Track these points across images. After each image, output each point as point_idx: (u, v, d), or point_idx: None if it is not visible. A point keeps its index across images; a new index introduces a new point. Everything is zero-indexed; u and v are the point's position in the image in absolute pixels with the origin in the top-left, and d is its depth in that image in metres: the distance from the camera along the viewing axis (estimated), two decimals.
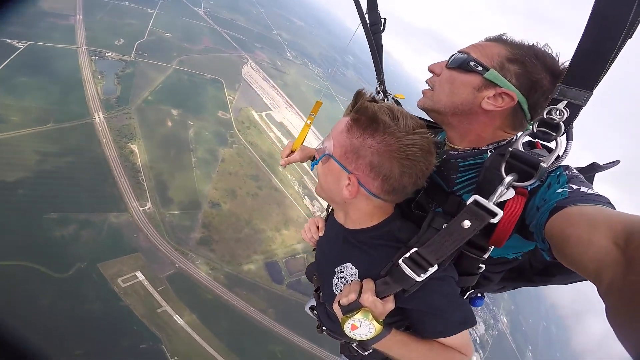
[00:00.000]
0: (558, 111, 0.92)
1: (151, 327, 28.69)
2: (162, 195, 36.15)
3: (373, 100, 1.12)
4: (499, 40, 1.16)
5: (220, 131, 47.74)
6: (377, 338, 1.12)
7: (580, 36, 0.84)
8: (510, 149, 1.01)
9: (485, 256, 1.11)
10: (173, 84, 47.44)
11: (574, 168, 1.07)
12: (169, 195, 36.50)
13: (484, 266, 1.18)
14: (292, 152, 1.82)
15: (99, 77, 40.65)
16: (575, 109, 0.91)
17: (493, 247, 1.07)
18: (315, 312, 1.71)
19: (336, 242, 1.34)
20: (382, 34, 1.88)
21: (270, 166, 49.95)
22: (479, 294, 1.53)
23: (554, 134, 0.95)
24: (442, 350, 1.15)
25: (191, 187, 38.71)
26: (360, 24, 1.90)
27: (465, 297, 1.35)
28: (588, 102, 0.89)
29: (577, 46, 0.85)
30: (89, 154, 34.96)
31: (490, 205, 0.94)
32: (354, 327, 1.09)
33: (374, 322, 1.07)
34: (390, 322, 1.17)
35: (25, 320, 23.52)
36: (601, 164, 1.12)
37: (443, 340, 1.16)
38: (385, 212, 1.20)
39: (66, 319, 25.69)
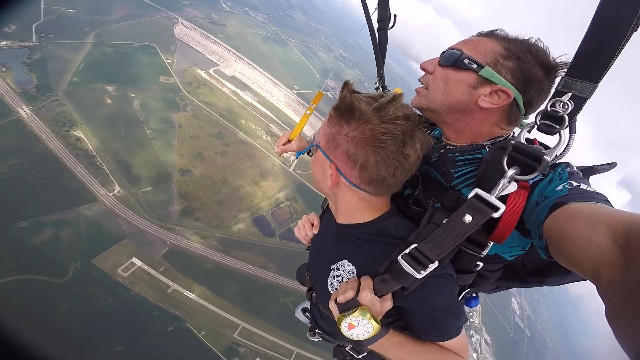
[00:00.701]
0: (562, 103, 0.92)
1: (170, 309, 29.99)
2: (128, 175, 35.22)
3: (355, 91, 1.08)
4: (492, 35, 1.13)
5: (168, 97, 45.22)
6: (374, 338, 1.08)
7: (586, 28, 0.84)
8: (513, 142, 1.01)
9: (484, 253, 1.08)
10: (97, 60, 43.42)
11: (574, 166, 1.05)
12: (135, 174, 35.60)
13: (481, 264, 1.16)
14: (289, 141, 1.79)
15: (3, 69, 36.60)
16: (579, 102, 0.90)
17: (492, 243, 1.05)
18: (307, 314, 1.68)
19: (332, 239, 1.30)
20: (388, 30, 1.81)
21: (232, 121, 48.57)
22: (474, 294, 1.51)
23: (558, 127, 0.94)
24: (439, 352, 1.14)
25: (155, 159, 37.61)
26: (367, 23, 1.85)
27: (460, 297, 1.33)
28: (593, 95, 0.88)
29: (584, 38, 0.85)
30: (31, 152, 32.91)
31: (492, 199, 0.91)
32: (351, 327, 1.06)
33: (372, 321, 1.03)
34: (387, 322, 1.13)
35: (52, 332, 23.96)
36: (598, 166, 1.12)
37: (441, 342, 1.14)
38: (378, 208, 1.17)
39: (89, 321, 26.43)
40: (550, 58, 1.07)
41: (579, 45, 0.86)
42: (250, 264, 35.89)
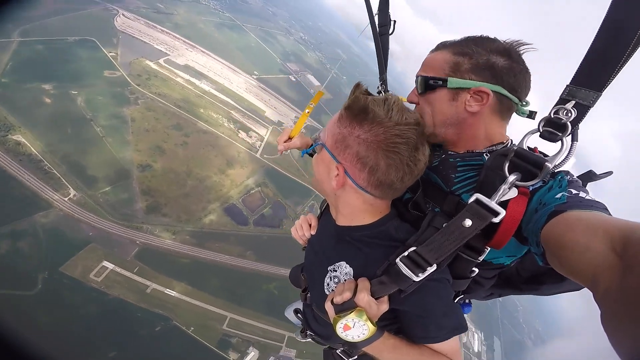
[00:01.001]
0: (566, 111, 0.94)
1: (153, 309, 29.47)
2: (82, 176, 33.44)
3: (368, 93, 1.11)
4: (439, 48, 1.21)
5: (115, 92, 42.75)
6: (369, 340, 1.08)
7: (593, 37, 0.86)
8: (515, 148, 1.03)
9: (480, 258, 1.10)
10: (27, 58, 39.89)
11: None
12: (90, 174, 33.87)
13: (477, 270, 1.17)
14: (290, 139, 1.83)
15: None
16: (582, 110, 0.92)
17: (489, 249, 1.07)
18: (299, 315, 1.67)
19: (330, 241, 1.31)
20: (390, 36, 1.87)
21: (189, 111, 47.01)
22: (467, 301, 1.52)
23: (560, 134, 0.96)
24: (432, 355, 1.13)
25: (110, 158, 35.84)
26: (369, 25, 1.89)
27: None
28: (596, 104, 0.90)
29: (590, 47, 0.87)
30: None
31: (492, 204, 0.92)
32: (346, 328, 1.05)
33: (368, 323, 1.03)
34: (382, 325, 1.13)
35: (41, 344, 22.57)
36: (596, 174, 1.13)
37: (434, 345, 1.13)
38: (379, 211, 1.18)
39: (75, 329, 25.51)
40: (501, 41, 1.13)
41: (585, 54, 0.89)
42: (227, 254, 35.76)
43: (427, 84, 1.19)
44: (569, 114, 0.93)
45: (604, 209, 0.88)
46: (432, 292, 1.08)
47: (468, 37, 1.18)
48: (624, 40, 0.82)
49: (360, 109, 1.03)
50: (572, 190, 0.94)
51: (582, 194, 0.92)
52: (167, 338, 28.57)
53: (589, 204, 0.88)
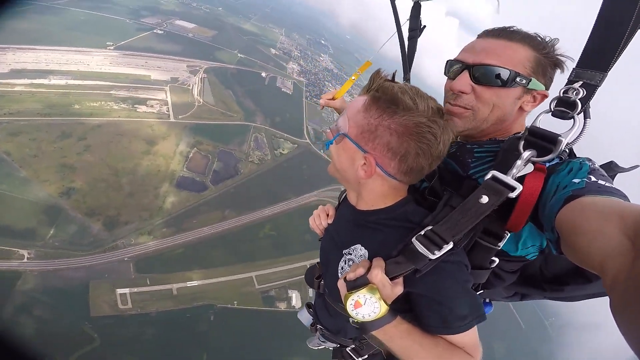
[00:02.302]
0: (575, 91, 1.00)
1: (193, 304, 30.67)
2: (17, 235, 29.31)
3: (392, 79, 1.13)
4: (516, 38, 1.19)
5: None
6: (381, 321, 1.05)
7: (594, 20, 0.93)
8: (528, 127, 1.07)
9: (500, 244, 1.11)
10: None
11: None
12: (22, 230, 29.59)
13: (497, 260, 1.18)
14: (333, 99, 1.93)
15: None
16: (591, 89, 0.99)
17: (508, 234, 1.09)
18: (310, 310, 1.70)
19: (347, 227, 1.33)
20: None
21: (64, 113, 40.47)
22: (487, 300, 1.52)
23: (571, 112, 1.02)
24: (448, 348, 1.09)
25: (23, 205, 31.03)
26: (396, 32, 2.00)
27: None
28: (604, 82, 0.97)
29: (592, 30, 0.94)
30: None
31: (508, 179, 0.96)
32: (357, 305, 1.04)
33: (381, 301, 1.03)
34: (394, 308, 1.10)
35: None
36: (622, 166, 1.14)
37: (451, 337, 1.09)
38: (399, 194, 1.20)
39: (164, 353, 27.35)
40: (554, 50, 1.20)
41: (587, 38, 0.95)
42: (210, 223, 36.04)
43: (510, 80, 1.17)
44: (578, 93, 1.00)
45: (622, 196, 0.87)
46: (449, 275, 1.08)
47: (538, 34, 1.21)
48: (623, 21, 0.89)
49: (390, 99, 1.06)
50: (591, 177, 0.95)
51: (601, 182, 0.93)
52: (225, 321, 30.59)
53: (607, 190, 0.88)
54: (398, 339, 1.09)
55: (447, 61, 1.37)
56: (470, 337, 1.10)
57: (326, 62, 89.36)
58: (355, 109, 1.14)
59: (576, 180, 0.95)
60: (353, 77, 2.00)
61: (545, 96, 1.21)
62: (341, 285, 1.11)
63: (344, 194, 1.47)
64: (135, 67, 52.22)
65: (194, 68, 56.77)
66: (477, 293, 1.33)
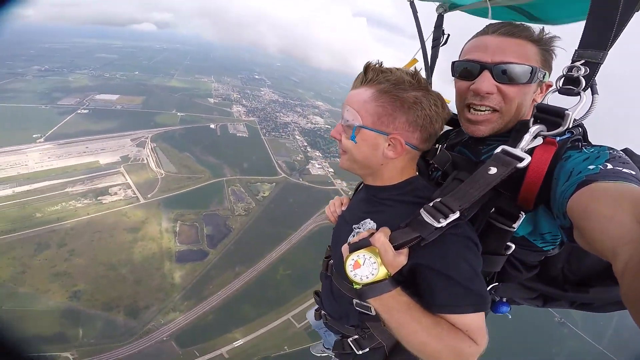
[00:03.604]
0: (577, 68, 1.08)
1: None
2: (45, 342, 29.05)
3: (386, 66, 1.28)
4: (520, 35, 1.27)
5: None
6: (379, 286, 1.07)
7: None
8: (536, 104, 1.15)
9: (515, 225, 1.16)
10: None
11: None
12: (45, 337, 29.25)
13: (512, 246, 1.24)
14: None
15: None
16: (593, 67, 1.06)
17: (523, 215, 1.14)
18: (316, 297, 1.78)
19: (358, 205, 1.47)
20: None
21: (29, 225, 39.78)
22: (505, 299, 1.60)
23: (576, 89, 1.09)
24: (449, 329, 1.06)
25: (36, 315, 30.28)
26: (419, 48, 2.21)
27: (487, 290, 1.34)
28: (605, 59, 1.05)
29: (588, 14, 1.04)
30: None
31: (517, 151, 1.04)
32: (356, 265, 1.08)
33: (381, 265, 1.06)
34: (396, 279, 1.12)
35: None
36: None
37: (453, 317, 1.08)
38: (413, 167, 1.35)
39: None
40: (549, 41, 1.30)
41: (585, 21, 1.05)
42: (225, 284, 38.12)
43: (533, 76, 1.24)
44: (580, 70, 1.06)
45: (639, 182, 0.87)
46: (455, 247, 1.10)
47: (545, 37, 1.29)
48: (617, 3, 0.97)
49: (395, 82, 1.20)
50: (608, 164, 0.95)
51: (618, 167, 0.93)
52: None
53: (622, 176, 0.88)
54: (396, 312, 1.07)
55: (457, 62, 1.39)
56: (474, 321, 1.08)
57: (269, 95, 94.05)
58: (361, 100, 1.24)
59: (591, 167, 0.96)
60: (416, 59, 2.22)
61: (550, 86, 1.29)
62: (344, 248, 1.17)
63: (361, 185, 1.59)
64: (77, 155, 52.25)
65: (139, 140, 58.08)
66: (492, 285, 1.39)
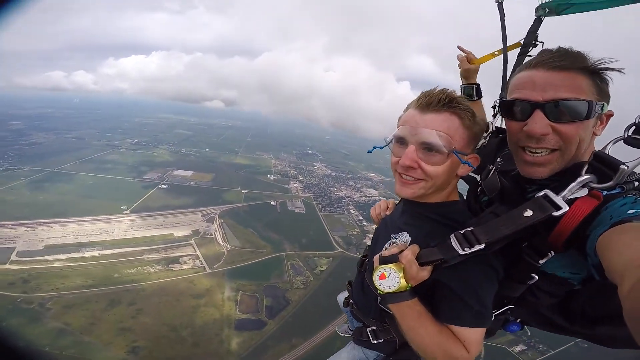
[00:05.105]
0: None
1: None
2: None
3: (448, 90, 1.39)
4: (570, 67, 1.22)
5: (15, 316, 36.42)
6: (398, 296, 1.30)
7: None
8: (594, 151, 1.16)
9: (541, 262, 1.24)
10: None
11: None
12: None
13: (536, 277, 1.32)
14: (469, 60, 2.40)
15: None
16: None
17: (552, 254, 1.21)
18: (349, 287, 2.06)
19: (401, 216, 1.66)
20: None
21: (107, 283, 44.82)
22: (518, 320, 1.69)
23: None
24: (449, 338, 1.30)
25: None
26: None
27: (500, 311, 1.51)
28: None
29: None
30: None
31: (557, 198, 1.07)
32: (382, 277, 1.31)
33: (402, 278, 1.28)
34: (414, 290, 1.33)
35: None
36: None
37: (455, 328, 1.31)
38: (457, 190, 1.53)
39: None
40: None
41: None
42: (282, 355, 38.06)
43: (590, 112, 1.20)
44: None
45: None
46: (474, 273, 1.28)
47: (581, 53, 1.25)
48: None
49: (468, 107, 1.38)
50: None
51: None
52: None
53: None
54: (409, 319, 1.32)
55: (504, 101, 1.39)
56: (472, 335, 1.31)
57: (322, 169, 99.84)
58: (453, 127, 1.34)
59: (631, 211, 0.99)
60: (496, 53, 2.29)
61: (611, 115, 1.29)
62: (376, 259, 1.39)
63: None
64: (155, 227, 60.11)
65: (208, 216, 65.26)
66: (506, 307, 1.51)
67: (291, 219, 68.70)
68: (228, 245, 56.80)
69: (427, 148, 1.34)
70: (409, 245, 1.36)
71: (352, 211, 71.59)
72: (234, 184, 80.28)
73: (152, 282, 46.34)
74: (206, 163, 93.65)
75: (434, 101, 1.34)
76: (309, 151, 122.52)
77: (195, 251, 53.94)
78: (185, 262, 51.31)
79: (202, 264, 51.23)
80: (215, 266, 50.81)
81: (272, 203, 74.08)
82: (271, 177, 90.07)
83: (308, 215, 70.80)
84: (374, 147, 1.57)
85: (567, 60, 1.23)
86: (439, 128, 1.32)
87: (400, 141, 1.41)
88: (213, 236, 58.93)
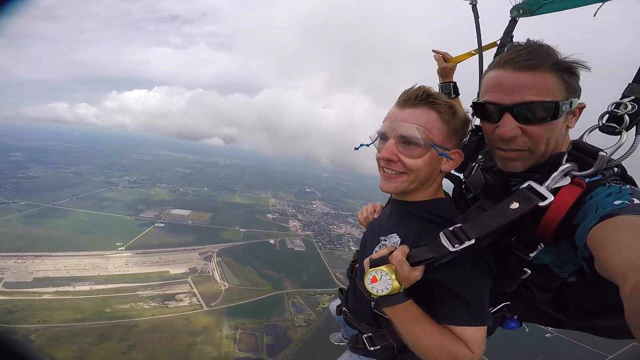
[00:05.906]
0: (624, 105, 1.11)
1: None
2: None
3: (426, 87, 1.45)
4: (538, 67, 1.24)
5: None
6: (392, 298, 1.28)
7: None
8: (573, 140, 1.20)
9: (531, 255, 1.27)
10: None
11: None
12: None
13: (528, 271, 1.35)
14: (445, 59, 2.53)
15: None
16: None
17: (541, 246, 1.24)
18: (341, 295, 2.03)
19: (388, 217, 1.69)
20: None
21: (98, 317, 43.52)
22: (515, 317, 1.73)
23: (619, 127, 1.11)
24: (450, 339, 1.28)
25: None
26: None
27: (496, 309, 1.52)
28: None
29: None
30: None
31: (541, 189, 1.10)
32: (374, 280, 1.30)
33: (394, 280, 1.27)
34: (409, 291, 1.32)
35: None
36: None
37: (455, 328, 1.30)
38: (441, 187, 1.57)
39: None
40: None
41: None
42: None
43: (559, 112, 1.24)
44: (626, 108, 1.08)
45: None
46: (468, 268, 1.29)
47: (549, 49, 1.27)
48: None
49: (448, 103, 1.42)
50: (634, 199, 1.01)
51: None
52: None
53: None
54: (406, 322, 1.31)
55: (476, 104, 1.45)
56: (473, 333, 1.29)
57: (320, 207, 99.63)
58: (430, 119, 1.39)
59: (617, 202, 1.02)
60: (472, 52, 2.37)
61: (583, 107, 1.33)
62: (366, 262, 1.38)
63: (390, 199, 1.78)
64: (151, 264, 59.45)
65: (206, 254, 64.74)
66: (503, 304, 1.52)
67: (291, 257, 68.23)
68: (226, 283, 55.82)
69: (406, 141, 1.40)
70: (399, 246, 1.38)
71: (353, 248, 70.23)
72: (232, 223, 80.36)
73: (146, 318, 44.96)
74: (204, 202, 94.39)
75: (412, 97, 1.42)
76: (307, 189, 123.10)
77: (192, 289, 52.87)
78: (181, 300, 50.13)
79: (199, 301, 50.06)
80: (212, 304, 49.62)
81: (271, 241, 73.95)
82: (270, 215, 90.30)
83: (308, 253, 70.42)
84: (361, 145, 1.60)
85: (535, 59, 1.25)
86: (416, 122, 1.38)
87: (383, 137, 1.49)
88: (211, 274, 58.02)
